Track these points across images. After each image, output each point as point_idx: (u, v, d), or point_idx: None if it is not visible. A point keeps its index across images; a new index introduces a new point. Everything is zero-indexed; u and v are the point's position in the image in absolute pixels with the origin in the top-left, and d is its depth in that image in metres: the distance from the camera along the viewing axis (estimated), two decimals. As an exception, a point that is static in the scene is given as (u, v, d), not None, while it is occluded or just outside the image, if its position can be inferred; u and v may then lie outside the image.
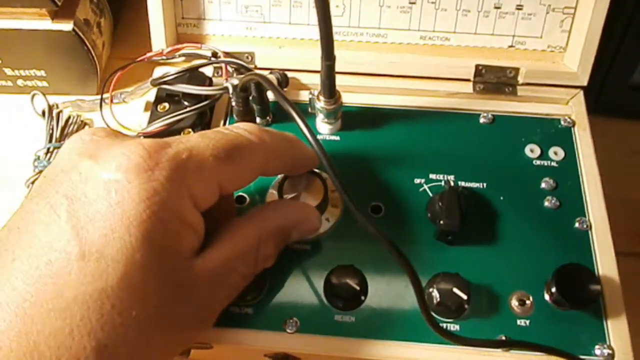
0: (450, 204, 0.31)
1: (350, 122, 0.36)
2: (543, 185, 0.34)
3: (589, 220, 0.32)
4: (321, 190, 0.31)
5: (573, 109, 0.37)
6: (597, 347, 0.29)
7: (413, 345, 0.29)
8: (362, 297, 0.30)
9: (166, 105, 0.36)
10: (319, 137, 0.34)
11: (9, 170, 0.40)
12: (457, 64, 0.38)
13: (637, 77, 0.42)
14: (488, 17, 0.37)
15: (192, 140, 0.25)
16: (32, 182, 0.38)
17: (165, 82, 0.36)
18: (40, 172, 0.38)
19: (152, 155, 0.24)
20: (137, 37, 0.45)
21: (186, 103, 0.36)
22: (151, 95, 0.38)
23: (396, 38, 0.39)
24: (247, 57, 0.39)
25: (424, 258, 0.31)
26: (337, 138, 0.36)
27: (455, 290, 0.28)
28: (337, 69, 0.31)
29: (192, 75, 0.36)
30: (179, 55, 0.39)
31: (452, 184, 0.34)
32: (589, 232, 0.32)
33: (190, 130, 0.35)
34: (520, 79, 0.38)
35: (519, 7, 0.37)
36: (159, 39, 0.39)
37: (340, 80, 0.33)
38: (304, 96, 0.38)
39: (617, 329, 0.29)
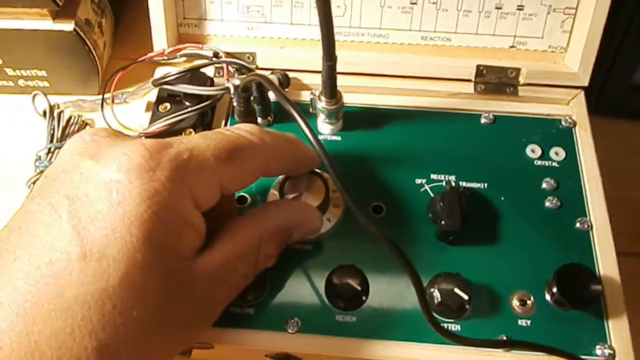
0: (451, 204, 0.31)
1: (351, 123, 0.36)
2: (544, 185, 0.34)
3: (589, 220, 0.32)
4: (322, 190, 0.31)
5: (574, 110, 0.37)
6: (598, 347, 0.29)
7: (414, 345, 0.29)
8: (364, 297, 0.30)
9: (167, 105, 0.36)
10: (320, 137, 0.34)
11: (10, 170, 0.40)
12: (458, 64, 0.38)
13: (637, 77, 0.42)
14: (489, 18, 0.37)
15: (193, 141, 0.25)
16: (33, 182, 0.38)
17: (166, 83, 0.36)
18: (42, 172, 0.38)
19: (154, 156, 0.24)
20: (138, 37, 0.45)
21: (187, 103, 0.36)
22: (152, 95, 0.38)
23: (397, 38, 0.39)
24: (249, 58, 0.39)
25: (425, 258, 0.31)
26: (339, 138, 0.36)
27: (457, 290, 0.28)
28: (338, 69, 0.31)
29: (194, 75, 0.36)
30: (180, 56, 0.39)
31: (453, 184, 0.34)
32: (590, 232, 0.32)
33: (191, 130, 0.35)
34: (521, 80, 0.38)
35: (520, 8, 0.37)
36: (160, 39, 0.39)
37: (341, 81, 0.33)
38: (305, 96, 0.38)
39: (618, 329, 0.29)
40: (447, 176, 0.34)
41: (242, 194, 0.33)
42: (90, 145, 0.25)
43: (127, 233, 0.22)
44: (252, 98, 0.35)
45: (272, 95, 0.36)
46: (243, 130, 0.27)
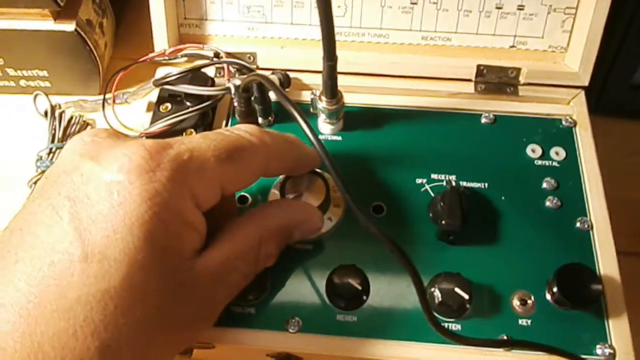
0: (451, 204, 0.31)
1: (352, 123, 0.36)
2: (544, 185, 0.34)
3: (590, 220, 0.32)
4: (323, 190, 0.31)
5: (574, 109, 0.37)
6: (598, 346, 0.29)
7: (415, 345, 0.29)
8: (364, 297, 0.30)
9: (168, 105, 0.36)
10: (320, 137, 0.34)
11: (11, 170, 0.40)
12: (458, 64, 0.38)
13: (638, 76, 0.42)
14: (489, 18, 0.37)
15: (194, 141, 0.25)
16: (35, 183, 0.38)
17: (167, 83, 0.36)
18: (43, 172, 0.38)
19: (154, 156, 0.24)
20: (139, 37, 0.45)
21: (188, 103, 0.36)
22: (153, 95, 0.38)
23: (398, 38, 0.39)
24: (249, 58, 0.39)
25: (425, 258, 0.31)
26: (339, 138, 0.36)
27: (457, 290, 0.29)
28: (338, 69, 0.31)
29: (195, 75, 0.36)
30: (181, 56, 0.39)
31: (453, 184, 0.34)
32: (590, 232, 0.32)
33: (192, 130, 0.35)
34: (522, 79, 0.38)
35: (521, 8, 0.37)
36: (161, 39, 0.39)
37: (342, 81, 0.33)
38: (306, 96, 0.38)
39: (618, 329, 0.29)
40: (447, 176, 0.34)
41: (243, 193, 0.33)
42: (91, 146, 0.25)
43: (128, 234, 0.22)
44: (252, 98, 0.35)
45: (272, 96, 0.36)
46: (243, 130, 0.27)
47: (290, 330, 0.29)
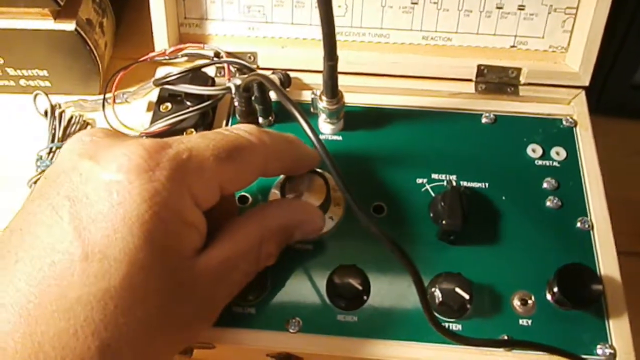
0: (452, 204, 0.31)
1: (352, 122, 0.36)
2: (545, 185, 0.34)
3: (590, 220, 0.32)
4: (323, 190, 0.31)
5: (575, 109, 0.37)
6: (599, 346, 0.29)
7: (415, 345, 0.29)
8: (365, 297, 0.30)
9: (169, 105, 0.36)
10: (321, 137, 0.34)
11: (11, 170, 0.40)
12: (459, 64, 0.38)
13: (638, 76, 0.42)
14: (490, 17, 0.37)
15: (192, 141, 0.25)
16: (35, 182, 0.38)
17: (167, 82, 0.36)
18: (43, 171, 0.38)
19: (153, 156, 0.24)
20: (139, 37, 0.45)
21: (189, 103, 0.36)
22: (154, 95, 0.38)
23: (398, 38, 0.39)
24: (250, 57, 0.39)
25: (426, 258, 0.31)
26: (340, 138, 0.36)
27: (458, 290, 0.29)
28: (339, 69, 0.31)
29: (195, 75, 0.36)
30: (182, 55, 0.39)
31: (454, 183, 0.34)
32: (591, 232, 0.32)
33: (192, 130, 0.35)
34: (522, 79, 0.38)
35: (521, 8, 0.37)
36: (161, 39, 0.39)
37: (342, 80, 0.33)
38: (307, 96, 0.38)
39: (619, 329, 0.29)
40: (448, 176, 0.34)
41: (243, 193, 0.33)
42: (89, 146, 0.25)
43: (128, 233, 0.22)
44: (253, 98, 0.35)
45: (273, 95, 0.36)
46: (242, 130, 0.27)
47: (291, 331, 0.29)
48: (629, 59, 0.41)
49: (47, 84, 0.43)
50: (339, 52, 0.29)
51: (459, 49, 0.38)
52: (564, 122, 0.36)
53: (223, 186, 0.26)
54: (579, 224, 0.32)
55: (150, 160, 0.23)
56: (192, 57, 0.39)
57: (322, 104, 0.34)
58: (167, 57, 0.39)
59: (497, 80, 0.38)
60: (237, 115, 0.36)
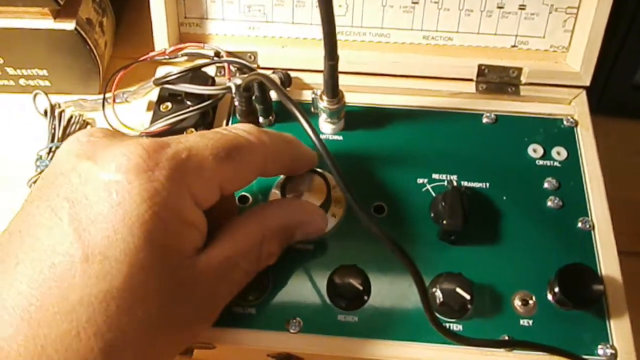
0: (453, 204, 0.31)
1: (353, 122, 0.36)
2: (546, 185, 0.34)
3: (591, 220, 0.32)
4: (324, 190, 0.31)
5: (576, 109, 0.37)
6: (599, 347, 0.29)
7: (416, 345, 0.29)
8: (365, 297, 0.30)
9: (169, 104, 0.36)
10: (321, 136, 0.33)
11: (11, 170, 0.40)
12: (459, 63, 0.38)
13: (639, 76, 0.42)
14: (491, 17, 0.37)
15: (191, 140, 0.25)
16: (34, 182, 0.38)
17: (167, 82, 0.36)
18: (43, 171, 0.38)
19: (152, 155, 0.23)
20: (139, 36, 0.45)
21: (189, 103, 0.36)
22: (154, 94, 0.38)
23: (399, 38, 0.39)
24: (250, 57, 0.39)
25: (426, 258, 0.31)
26: (340, 138, 0.36)
27: (458, 290, 0.28)
28: (339, 68, 0.31)
29: (195, 74, 0.36)
30: (182, 55, 0.39)
31: (455, 183, 0.34)
32: (592, 232, 0.32)
33: (192, 129, 0.35)
34: (523, 79, 0.38)
35: (522, 7, 0.37)
36: (161, 38, 0.39)
37: (343, 80, 0.33)
38: (307, 96, 0.38)
39: (619, 329, 0.29)
40: (448, 176, 0.34)
41: (243, 193, 0.33)
42: (87, 147, 0.24)
43: (128, 234, 0.22)
44: (253, 97, 0.35)
45: (273, 95, 0.36)
46: (241, 129, 0.27)
47: (291, 331, 0.29)
48: (630, 59, 0.41)
49: (47, 83, 0.43)
50: (339, 51, 0.29)
51: (460, 49, 0.38)
52: (565, 122, 0.36)
53: (222, 185, 0.26)
54: (579, 224, 0.32)
55: (150, 160, 0.23)
56: (192, 56, 0.39)
57: (323, 103, 0.34)
58: (167, 57, 0.39)
59: (498, 80, 0.38)
60: (237, 115, 0.36)
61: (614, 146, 0.38)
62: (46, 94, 0.42)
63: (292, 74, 0.38)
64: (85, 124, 0.42)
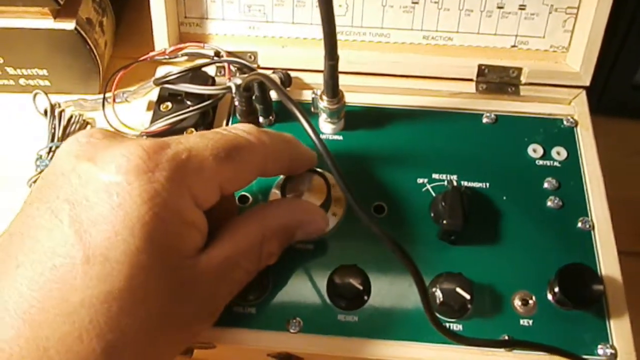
0: (453, 204, 0.31)
1: (353, 122, 0.36)
2: (546, 185, 0.34)
3: (591, 220, 0.32)
4: (324, 190, 0.31)
5: (576, 109, 0.37)
6: (599, 346, 0.29)
7: (416, 345, 0.29)
8: (365, 297, 0.30)
9: (169, 104, 0.36)
10: (321, 136, 0.33)
11: (11, 169, 0.40)
12: (459, 63, 0.38)
13: (639, 76, 0.42)
14: (491, 17, 0.37)
15: (191, 141, 0.25)
16: (34, 182, 0.38)
17: (167, 82, 0.36)
18: (43, 171, 0.38)
19: (152, 156, 0.23)
20: (139, 36, 0.45)
21: (189, 102, 0.36)
22: (154, 94, 0.38)
23: (399, 38, 0.39)
24: (250, 57, 0.39)
25: (426, 258, 0.31)
26: (340, 138, 0.36)
27: (458, 290, 0.28)
28: (340, 68, 0.31)
29: (195, 74, 0.36)
30: (182, 55, 0.39)
31: (455, 183, 0.34)
32: (592, 232, 0.32)
33: (193, 129, 0.35)
34: (523, 79, 0.38)
35: (522, 7, 0.37)
36: (161, 38, 0.39)
37: (343, 80, 0.33)
38: (307, 96, 0.38)
39: (619, 329, 0.29)
40: (448, 176, 0.34)
41: (243, 193, 0.33)
42: (87, 148, 0.24)
43: (129, 235, 0.22)
44: (253, 97, 0.35)
45: (273, 95, 0.36)
46: (240, 130, 0.27)
47: (291, 331, 0.29)
48: (630, 59, 0.41)
49: (47, 83, 0.43)
50: (339, 51, 0.29)
51: (460, 49, 0.38)
52: (565, 122, 0.36)
53: (223, 186, 0.26)
54: (579, 224, 0.32)
55: (150, 161, 0.23)
56: (193, 56, 0.39)
57: (323, 103, 0.34)
58: (167, 57, 0.39)
59: (497, 80, 0.38)
60: (237, 115, 0.36)
61: (614, 146, 0.38)
62: (46, 93, 0.42)
63: (292, 74, 0.38)
64: (85, 124, 0.42)
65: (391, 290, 0.30)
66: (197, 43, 0.39)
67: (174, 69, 0.37)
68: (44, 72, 0.42)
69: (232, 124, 0.37)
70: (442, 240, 0.32)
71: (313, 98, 0.36)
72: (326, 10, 0.26)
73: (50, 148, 0.39)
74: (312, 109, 0.36)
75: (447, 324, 0.29)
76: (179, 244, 0.24)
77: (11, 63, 0.42)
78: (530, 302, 0.30)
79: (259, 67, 0.39)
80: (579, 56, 0.37)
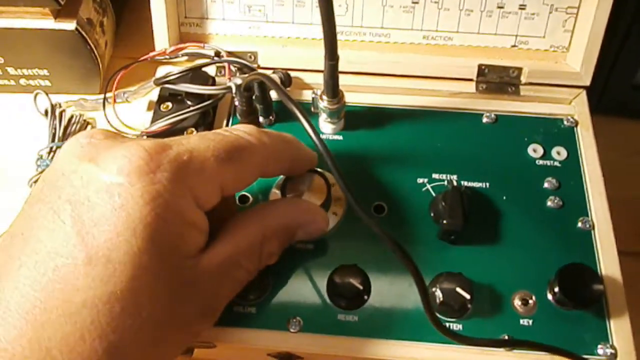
0: (453, 204, 0.31)
1: (353, 122, 0.36)
2: (546, 185, 0.34)
3: (591, 220, 0.32)
4: (324, 190, 0.31)
5: (576, 109, 0.37)
6: (599, 346, 0.29)
7: (416, 345, 0.29)
8: (365, 297, 0.30)
9: (169, 104, 0.36)
10: (321, 136, 0.34)
11: (11, 169, 0.40)
12: (459, 63, 0.38)
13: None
14: (491, 17, 0.37)
15: (192, 142, 0.25)
16: (35, 182, 0.38)
17: (168, 82, 0.36)
18: (43, 171, 0.38)
19: (154, 157, 0.23)
20: (139, 36, 0.45)
21: (189, 102, 0.36)
22: (154, 94, 0.38)
23: (399, 38, 0.39)
24: (250, 57, 0.39)
25: (426, 258, 0.31)
26: (340, 137, 0.36)
27: (458, 289, 0.29)
28: (340, 68, 0.31)
29: (195, 74, 0.36)
30: (182, 55, 0.39)
31: (455, 183, 0.34)
32: (592, 232, 0.32)
33: (193, 129, 0.35)
34: (523, 79, 0.38)
35: (522, 7, 0.37)
36: (161, 38, 0.39)
37: (343, 80, 0.33)
38: (307, 96, 0.38)
39: (619, 329, 0.29)
40: (448, 175, 0.34)
41: (243, 193, 0.33)
42: (88, 148, 0.24)
43: (131, 236, 0.22)
44: (253, 97, 0.35)
45: (274, 95, 0.36)
46: (241, 131, 0.27)
47: (291, 330, 0.29)
48: (630, 59, 0.41)
49: (48, 83, 0.43)
50: (339, 51, 0.29)
51: (460, 49, 0.38)
52: (565, 122, 0.36)
53: (224, 187, 0.26)
54: (580, 224, 0.32)
55: (151, 162, 0.23)
56: (193, 56, 0.39)
57: (323, 103, 0.34)
58: (167, 57, 0.39)
59: (498, 79, 0.38)
60: (237, 115, 0.36)
61: (614, 146, 0.38)
62: (47, 93, 0.42)
63: (292, 73, 0.38)
64: (85, 124, 0.42)
65: (391, 290, 0.30)
66: (197, 43, 0.39)
67: (174, 69, 0.37)
68: (45, 72, 0.42)
69: (232, 123, 0.37)
70: (442, 240, 0.32)
71: (313, 98, 0.36)
72: (326, 10, 0.26)
73: (51, 148, 0.39)
74: (312, 109, 0.36)
75: (447, 324, 0.29)
76: (181, 244, 0.24)
77: (12, 63, 0.42)
78: (530, 301, 0.30)
79: (259, 67, 0.39)
80: (579, 56, 0.37)
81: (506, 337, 0.29)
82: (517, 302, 0.30)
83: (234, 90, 0.34)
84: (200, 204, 0.25)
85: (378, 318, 0.30)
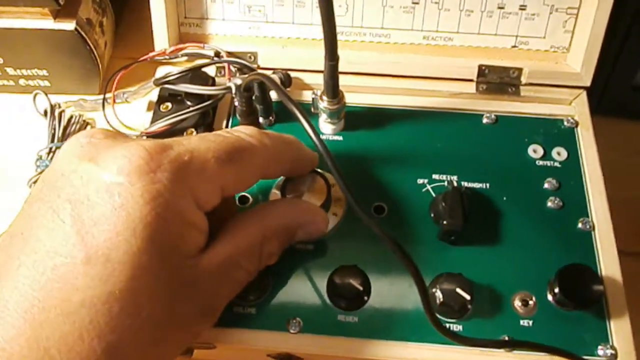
0: (453, 204, 0.31)
1: (353, 122, 0.36)
2: (546, 185, 0.34)
3: (592, 220, 0.32)
4: (324, 191, 0.31)
5: (576, 110, 0.37)
6: (600, 347, 0.29)
7: (416, 346, 0.29)
8: (365, 297, 0.30)
9: (169, 105, 0.36)
10: (322, 137, 0.33)
11: (11, 170, 0.40)
12: (460, 64, 0.38)
13: None
14: (491, 17, 0.37)
15: (193, 143, 0.25)
16: (34, 182, 0.38)
17: (168, 82, 0.36)
18: (43, 171, 0.38)
19: (154, 157, 0.23)
20: (139, 36, 0.45)
21: (189, 103, 0.36)
22: (154, 94, 0.38)
23: (399, 38, 0.39)
24: (250, 57, 0.39)
25: (427, 258, 0.31)
26: (340, 138, 0.36)
27: (459, 290, 0.28)
28: (340, 68, 0.31)
29: (195, 75, 0.36)
30: (182, 55, 0.39)
31: (455, 184, 0.34)
32: (592, 233, 0.32)
33: (193, 130, 0.35)
34: (524, 79, 0.38)
35: (522, 8, 0.37)
36: (161, 38, 0.39)
37: (343, 80, 0.33)
38: (307, 96, 0.38)
39: (619, 329, 0.29)
40: (449, 176, 0.34)
41: (243, 193, 0.33)
42: (88, 148, 0.24)
43: (131, 235, 0.22)
44: (253, 98, 0.35)
45: (274, 95, 0.36)
46: (242, 132, 0.27)
47: (291, 331, 0.29)
48: (630, 60, 0.41)
49: (47, 83, 0.43)
50: (339, 51, 0.29)
51: (460, 49, 0.38)
52: (565, 123, 0.36)
53: (224, 188, 0.26)
54: (580, 225, 0.32)
55: (152, 162, 0.23)
56: (193, 56, 0.39)
57: (323, 104, 0.34)
58: (167, 57, 0.39)
59: (498, 80, 0.38)
60: (237, 115, 0.36)
61: (614, 147, 0.38)
62: (46, 94, 0.42)
63: (292, 74, 0.38)
64: (85, 124, 0.42)
65: (391, 291, 0.30)
66: (197, 43, 0.39)
67: (174, 69, 0.37)
68: (44, 72, 0.42)
69: (232, 124, 0.37)
70: (442, 240, 0.32)
71: (313, 98, 0.36)
72: (326, 10, 0.26)
73: (51, 148, 0.39)
74: (312, 110, 0.36)
75: (447, 325, 0.29)
76: (180, 244, 0.24)
77: (11, 63, 0.42)
78: (531, 302, 0.30)
79: (259, 67, 0.39)
80: (579, 57, 0.37)
81: (506, 338, 0.29)
82: (517, 303, 0.30)
83: (233, 91, 0.34)
84: (200, 204, 0.25)
85: (378, 319, 0.30)
